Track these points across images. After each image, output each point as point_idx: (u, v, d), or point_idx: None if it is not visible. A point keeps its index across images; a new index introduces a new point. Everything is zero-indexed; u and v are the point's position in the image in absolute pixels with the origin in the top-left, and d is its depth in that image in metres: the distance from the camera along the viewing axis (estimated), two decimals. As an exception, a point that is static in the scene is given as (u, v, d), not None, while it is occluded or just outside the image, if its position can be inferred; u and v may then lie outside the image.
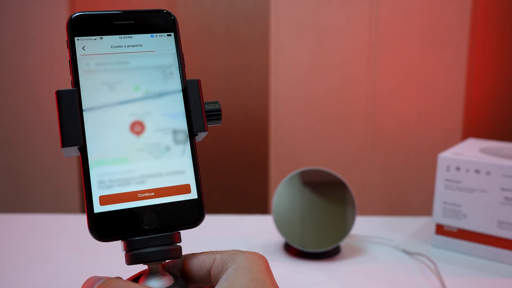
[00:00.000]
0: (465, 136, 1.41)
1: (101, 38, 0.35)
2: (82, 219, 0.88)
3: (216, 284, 0.33)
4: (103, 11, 0.36)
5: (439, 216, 0.77)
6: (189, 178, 0.35)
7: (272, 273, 0.33)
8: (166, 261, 0.34)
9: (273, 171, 1.43)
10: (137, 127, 0.35)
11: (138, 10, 0.37)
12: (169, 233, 0.34)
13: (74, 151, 0.34)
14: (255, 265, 0.32)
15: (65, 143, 0.33)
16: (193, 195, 0.35)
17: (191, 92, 0.36)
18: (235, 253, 0.33)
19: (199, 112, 0.36)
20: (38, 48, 1.38)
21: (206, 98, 0.37)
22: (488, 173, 0.73)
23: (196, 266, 0.34)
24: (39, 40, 1.37)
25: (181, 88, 0.36)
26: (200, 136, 0.37)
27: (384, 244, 0.79)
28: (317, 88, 1.39)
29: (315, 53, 1.37)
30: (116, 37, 0.36)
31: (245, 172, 1.56)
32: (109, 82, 0.35)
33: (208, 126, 0.36)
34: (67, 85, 0.35)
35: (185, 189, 0.35)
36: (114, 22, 0.36)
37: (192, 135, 0.36)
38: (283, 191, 0.76)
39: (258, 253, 0.33)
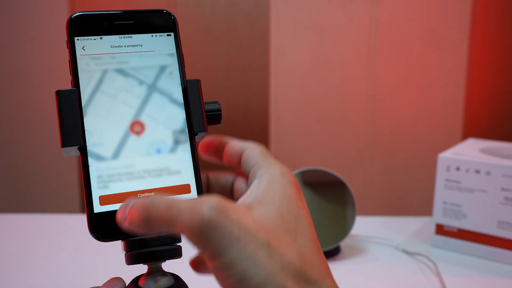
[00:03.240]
0: (465, 136, 1.41)
1: (101, 38, 0.35)
2: (82, 219, 0.88)
3: (250, 184, 0.33)
4: (103, 11, 0.36)
5: (439, 216, 0.77)
6: (189, 178, 0.35)
7: (302, 194, 0.32)
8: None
9: (273, 171, 1.43)
10: (137, 127, 0.35)
11: (138, 10, 0.37)
12: (169, 233, 0.34)
13: (74, 151, 0.34)
14: (287, 183, 0.31)
15: (65, 143, 0.33)
16: (193, 195, 0.35)
17: (191, 92, 0.36)
18: (272, 164, 0.33)
19: (199, 112, 0.36)
20: (38, 48, 1.38)
21: (206, 98, 0.37)
22: (488, 173, 0.73)
23: (245, 160, 0.35)
24: (39, 40, 1.37)
25: (181, 88, 0.36)
26: (200, 136, 0.37)
27: (384, 244, 0.79)
28: (317, 88, 1.39)
29: (315, 53, 1.37)
30: (116, 37, 0.36)
31: (245, 172, 1.56)
32: (109, 82, 0.35)
33: (208, 126, 0.36)
34: (67, 85, 0.35)
35: (185, 189, 0.35)
36: (114, 22, 0.36)
37: (192, 135, 0.36)
38: (283, 191, 0.76)
39: (288, 169, 0.33)
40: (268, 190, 0.31)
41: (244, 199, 0.31)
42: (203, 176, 0.37)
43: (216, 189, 0.37)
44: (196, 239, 0.27)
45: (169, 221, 0.28)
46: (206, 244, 0.27)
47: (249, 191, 0.31)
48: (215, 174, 0.37)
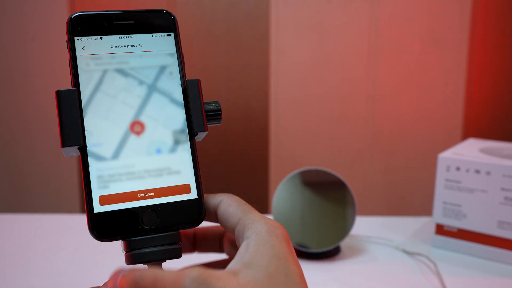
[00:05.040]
0: (465, 136, 1.41)
1: (101, 38, 0.35)
2: (82, 219, 0.88)
3: (238, 244, 0.33)
4: (103, 11, 0.36)
5: (439, 216, 0.77)
6: (189, 178, 0.35)
7: (292, 246, 0.32)
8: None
9: (273, 171, 1.43)
10: (137, 127, 0.35)
11: (138, 10, 0.37)
12: (169, 233, 0.34)
13: (74, 151, 0.34)
14: (276, 240, 0.31)
15: (65, 143, 0.33)
16: (193, 195, 0.35)
17: (191, 92, 0.36)
18: (256, 221, 0.32)
19: (199, 112, 0.36)
20: (38, 48, 1.38)
21: (206, 98, 0.37)
22: (488, 173, 0.73)
23: (223, 217, 0.34)
24: (39, 40, 1.37)
25: (181, 88, 0.36)
26: (200, 136, 0.37)
27: (384, 244, 0.79)
28: (317, 88, 1.39)
29: (315, 53, 1.37)
30: (116, 37, 0.36)
31: (245, 172, 1.56)
32: (109, 82, 0.35)
33: (208, 126, 0.36)
34: (67, 85, 0.35)
35: (185, 189, 0.35)
36: (114, 22, 0.36)
37: (192, 135, 0.36)
38: (283, 191, 0.76)
39: (278, 223, 0.32)
40: (256, 252, 0.30)
41: (232, 265, 0.31)
42: (190, 234, 0.37)
43: (204, 245, 0.37)
44: None
45: None
46: None
47: (237, 256, 0.31)
48: (203, 230, 0.37)
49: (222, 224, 0.35)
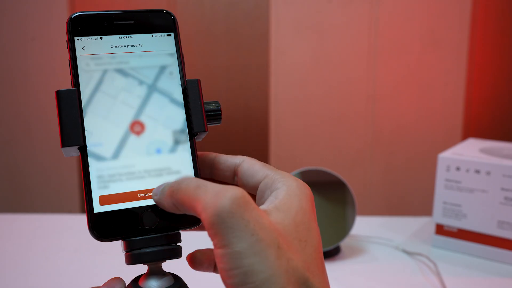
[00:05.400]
0: (465, 136, 1.41)
1: (101, 38, 0.35)
2: (82, 219, 0.88)
3: (261, 197, 0.34)
4: (103, 11, 0.36)
5: (439, 216, 0.77)
6: (189, 178, 0.35)
7: (315, 208, 0.33)
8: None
9: (273, 171, 1.43)
10: (137, 127, 0.35)
11: (138, 10, 0.37)
12: (169, 233, 0.34)
13: (74, 151, 0.34)
14: (303, 197, 0.32)
15: (65, 143, 0.33)
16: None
17: (191, 92, 0.36)
18: (286, 176, 0.33)
19: (199, 112, 0.36)
20: (38, 48, 1.38)
21: (206, 98, 0.37)
22: (488, 173, 0.73)
23: (248, 173, 0.35)
24: (39, 40, 1.37)
25: (181, 88, 0.36)
26: (200, 136, 0.37)
27: (384, 244, 0.79)
28: (317, 88, 1.39)
29: (315, 53, 1.37)
30: (116, 37, 0.36)
31: (245, 172, 1.56)
32: (109, 82, 0.35)
33: (208, 126, 0.36)
34: (67, 85, 0.35)
35: (185, 189, 0.35)
36: (114, 22, 0.36)
37: (192, 135, 0.36)
38: (283, 191, 0.76)
39: (306, 184, 0.34)
40: (286, 201, 0.31)
41: (264, 207, 0.31)
42: (211, 156, 0.37)
43: (220, 176, 0.37)
44: (210, 222, 0.27)
45: (193, 199, 0.29)
46: (219, 230, 0.27)
47: (267, 202, 0.32)
48: (224, 156, 0.37)
49: (243, 180, 0.35)
